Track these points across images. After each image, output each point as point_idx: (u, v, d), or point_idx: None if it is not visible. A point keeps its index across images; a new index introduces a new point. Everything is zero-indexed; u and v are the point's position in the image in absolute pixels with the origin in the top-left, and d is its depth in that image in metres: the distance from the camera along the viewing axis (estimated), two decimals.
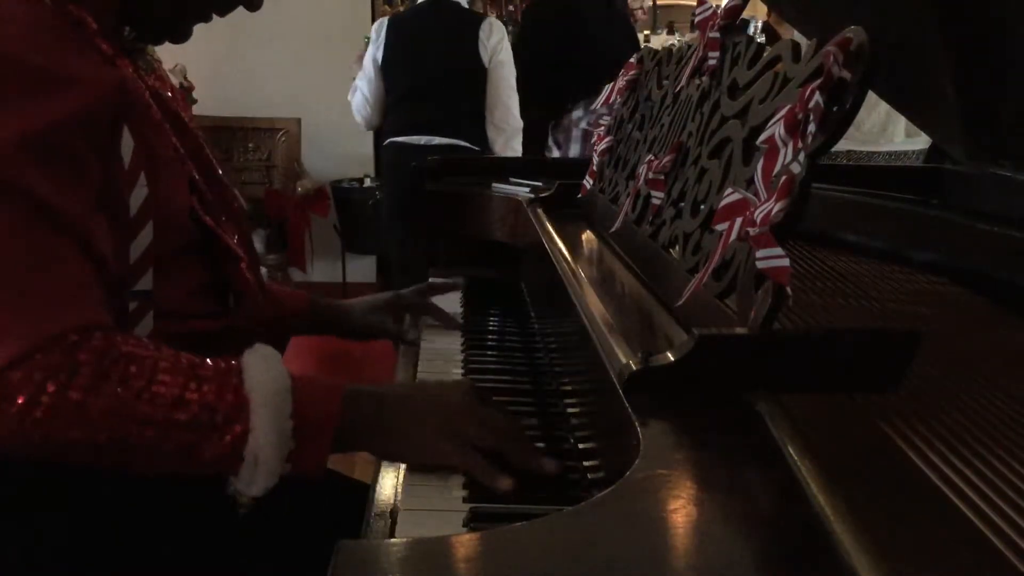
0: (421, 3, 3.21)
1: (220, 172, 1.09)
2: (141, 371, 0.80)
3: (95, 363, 0.78)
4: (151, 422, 0.79)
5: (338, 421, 0.85)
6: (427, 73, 3.12)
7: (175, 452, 0.81)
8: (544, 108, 3.53)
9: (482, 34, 3.12)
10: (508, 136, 3.24)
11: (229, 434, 0.81)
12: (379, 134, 3.70)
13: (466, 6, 3.22)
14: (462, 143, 3.16)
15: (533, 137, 3.55)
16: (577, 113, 3.63)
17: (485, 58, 3.12)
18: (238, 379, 0.83)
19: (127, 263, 0.91)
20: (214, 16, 1.03)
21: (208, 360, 0.85)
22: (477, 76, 3.13)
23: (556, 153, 3.88)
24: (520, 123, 3.25)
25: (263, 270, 1.23)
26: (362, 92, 3.25)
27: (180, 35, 1.02)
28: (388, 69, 3.17)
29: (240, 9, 1.03)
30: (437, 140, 3.15)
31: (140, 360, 0.80)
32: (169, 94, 1.05)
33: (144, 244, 0.92)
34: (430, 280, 1.58)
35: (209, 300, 1.02)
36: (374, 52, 3.19)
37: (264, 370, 0.84)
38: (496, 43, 3.13)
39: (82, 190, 0.84)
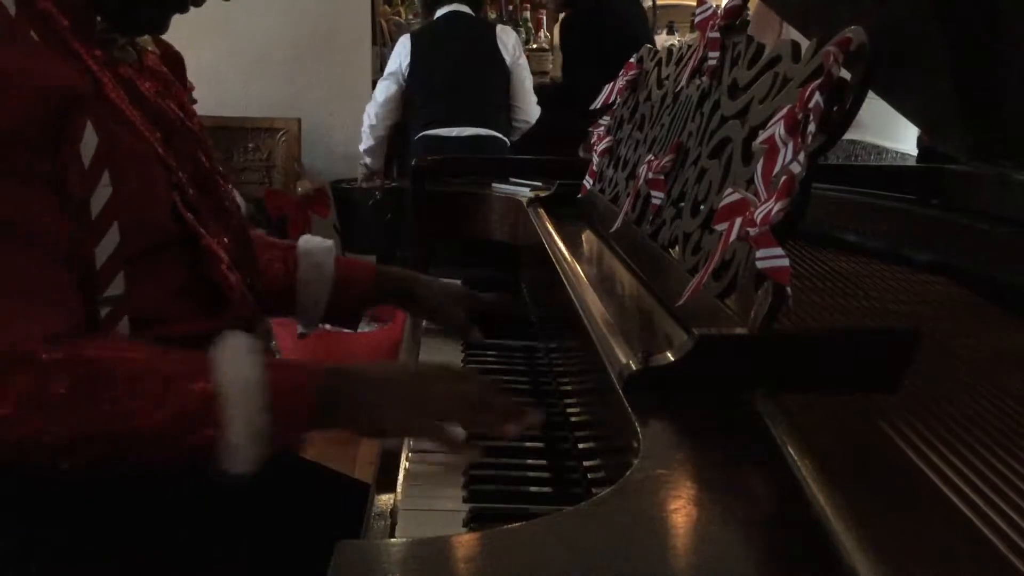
0: (437, 18, 3.51)
1: (212, 169, 1.07)
2: (108, 376, 0.81)
3: (65, 373, 0.79)
4: (122, 427, 0.81)
5: (314, 409, 0.86)
6: (456, 72, 3.43)
7: (152, 450, 0.83)
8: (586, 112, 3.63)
9: (502, 35, 3.52)
10: (524, 131, 3.63)
11: (205, 431, 0.82)
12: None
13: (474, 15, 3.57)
14: (493, 133, 3.45)
15: (566, 140, 3.63)
16: None
17: (507, 59, 3.50)
18: (208, 376, 0.83)
19: (93, 268, 0.89)
20: (190, 7, 1.00)
21: (178, 357, 0.85)
22: (498, 74, 3.51)
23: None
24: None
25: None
26: (376, 103, 3.52)
27: (156, 25, 1.00)
28: (415, 76, 3.45)
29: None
30: (469, 131, 3.42)
31: (108, 364, 0.82)
32: (149, 85, 1.02)
33: (111, 247, 0.90)
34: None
35: (190, 303, 0.99)
36: (399, 64, 3.47)
37: (235, 365, 0.84)
38: (514, 45, 3.53)
39: (39, 193, 0.84)
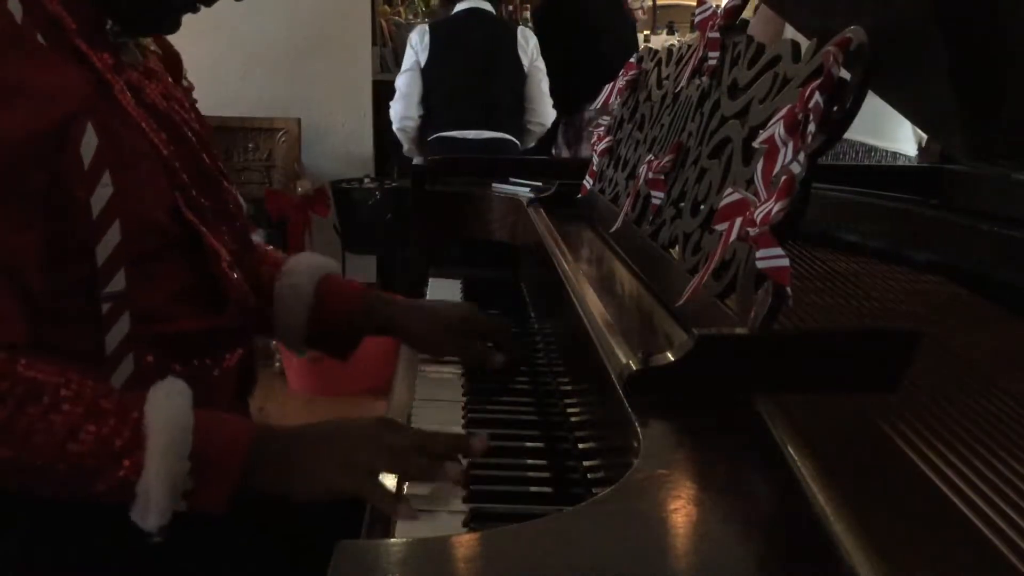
0: (458, 12, 3.48)
1: (214, 169, 1.07)
2: (39, 397, 0.79)
3: None
4: (43, 449, 0.79)
5: (242, 466, 0.83)
6: (473, 72, 3.42)
7: (67, 481, 0.81)
8: (557, 108, 3.63)
9: (520, 39, 3.49)
10: (539, 134, 3.61)
11: (120, 470, 0.80)
12: (386, 133, 3.77)
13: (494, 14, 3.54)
14: (506, 136, 3.44)
15: (542, 137, 3.66)
16: (590, 113, 3.70)
17: (525, 62, 3.48)
18: (139, 414, 0.81)
19: (95, 265, 0.90)
20: (201, 7, 0.99)
21: (114, 391, 0.84)
22: (516, 77, 3.48)
23: (566, 153, 3.92)
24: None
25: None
26: (402, 95, 3.47)
27: (167, 26, 0.99)
28: (432, 71, 3.43)
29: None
30: (486, 134, 3.40)
31: (40, 386, 0.80)
32: (152, 88, 1.02)
33: (112, 245, 0.90)
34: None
35: (193, 301, 0.99)
36: (416, 56, 3.44)
37: (167, 407, 0.82)
38: (533, 48, 3.51)
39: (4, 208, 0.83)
